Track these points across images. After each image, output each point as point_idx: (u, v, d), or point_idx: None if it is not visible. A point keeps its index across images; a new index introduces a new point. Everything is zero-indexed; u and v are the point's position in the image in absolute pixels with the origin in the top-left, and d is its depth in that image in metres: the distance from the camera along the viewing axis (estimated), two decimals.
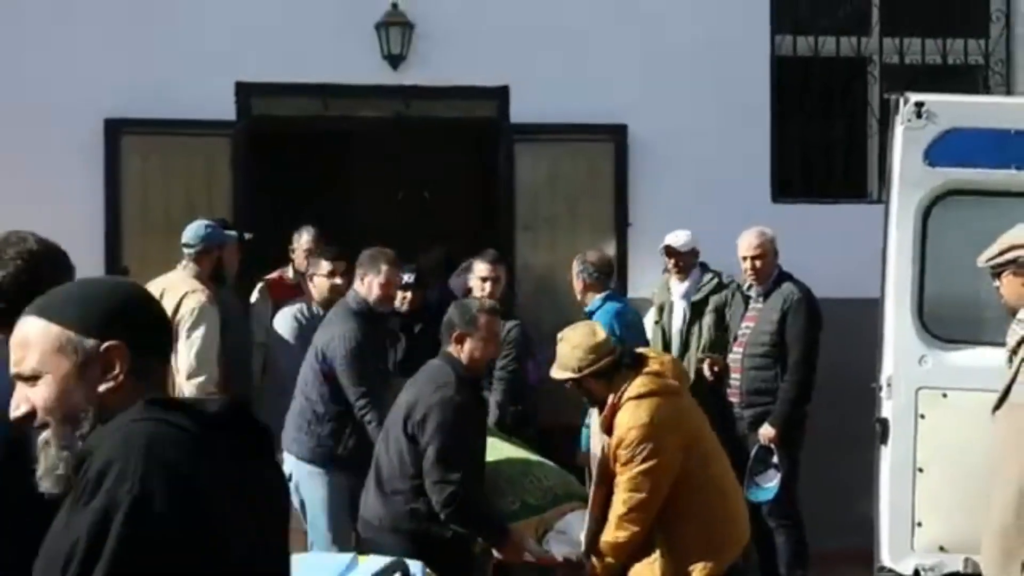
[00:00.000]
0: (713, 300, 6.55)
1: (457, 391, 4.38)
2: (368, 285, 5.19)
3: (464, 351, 4.50)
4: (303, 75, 7.52)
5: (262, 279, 6.75)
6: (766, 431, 6.06)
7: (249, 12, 7.51)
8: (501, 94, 7.78)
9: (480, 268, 6.17)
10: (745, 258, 6.25)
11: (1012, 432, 3.45)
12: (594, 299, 6.24)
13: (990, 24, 8.19)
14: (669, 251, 6.64)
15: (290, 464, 5.17)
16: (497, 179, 7.90)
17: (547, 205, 7.85)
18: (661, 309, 6.74)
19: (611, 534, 4.28)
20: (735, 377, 6.26)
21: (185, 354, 5.33)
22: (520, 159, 7.78)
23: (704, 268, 6.79)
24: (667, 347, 6.50)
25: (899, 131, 5.34)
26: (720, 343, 6.46)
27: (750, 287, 6.39)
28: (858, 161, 8.27)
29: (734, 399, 6.25)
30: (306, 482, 5.20)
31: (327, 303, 5.66)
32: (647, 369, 4.33)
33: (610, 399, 4.29)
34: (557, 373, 4.46)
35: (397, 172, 9.71)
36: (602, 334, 4.49)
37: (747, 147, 7.78)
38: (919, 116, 5.32)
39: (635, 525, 4.24)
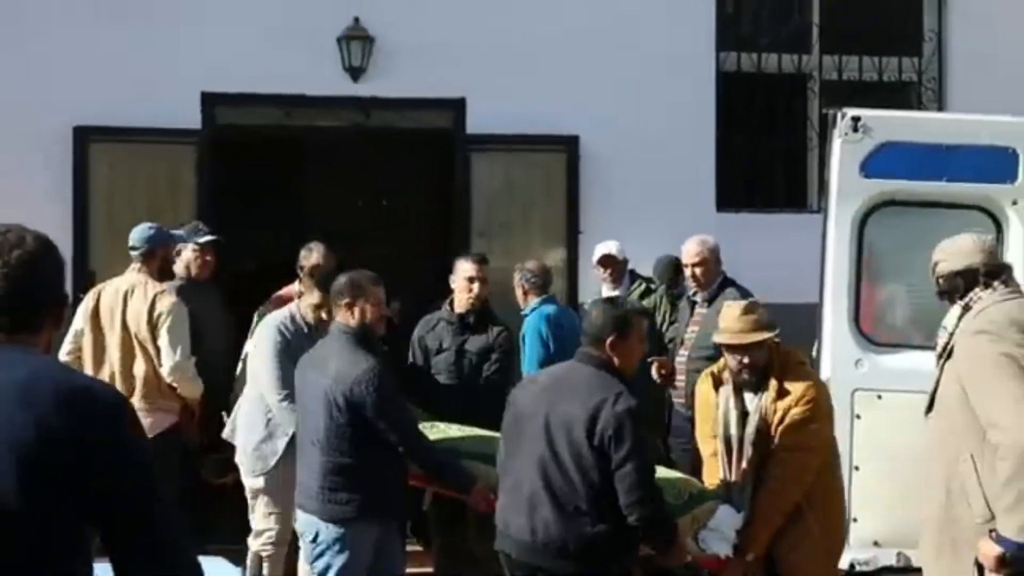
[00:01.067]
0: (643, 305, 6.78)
1: (633, 399, 4.05)
2: (360, 311, 4.73)
3: (618, 355, 4.12)
4: (267, 86, 7.70)
5: (268, 298, 6.30)
6: None
7: (215, 25, 7.69)
8: (458, 105, 8.01)
9: (465, 268, 6.03)
10: (687, 266, 6.43)
11: (941, 433, 3.69)
12: (532, 302, 6.45)
13: (923, 43, 8.55)
14: (606, 261, 6.92)
15: (313, 525, 4.57)
16: (453, 187, 8.13)
17: (502, 213, 8.09)
18: None
19: (781, 498, 4.39)
20: (680, 380, 6.38)
21: (168, 352, 5.53)
22: (476, 168, 8.02)
23: (633, 275, 7.07)
24: None
25: (837, 144, 5.52)
26: (655, 347, 6.65)
27: (695, 293, 6.60)
28: (799, 173, 8.57)
29: (679, 401, 6.39)
30: (341, 544, 4.51)
31: (317, 321, 5.28)
32: None
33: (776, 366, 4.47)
34: (755, 335, 4.43)
35: (357, 181, 9.85)
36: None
37: (693, 159, 8.07)
38: (856, 130, 5.50)
39: (800, 487, 4.39)
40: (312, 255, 6.01)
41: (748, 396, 4.54)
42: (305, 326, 5.25)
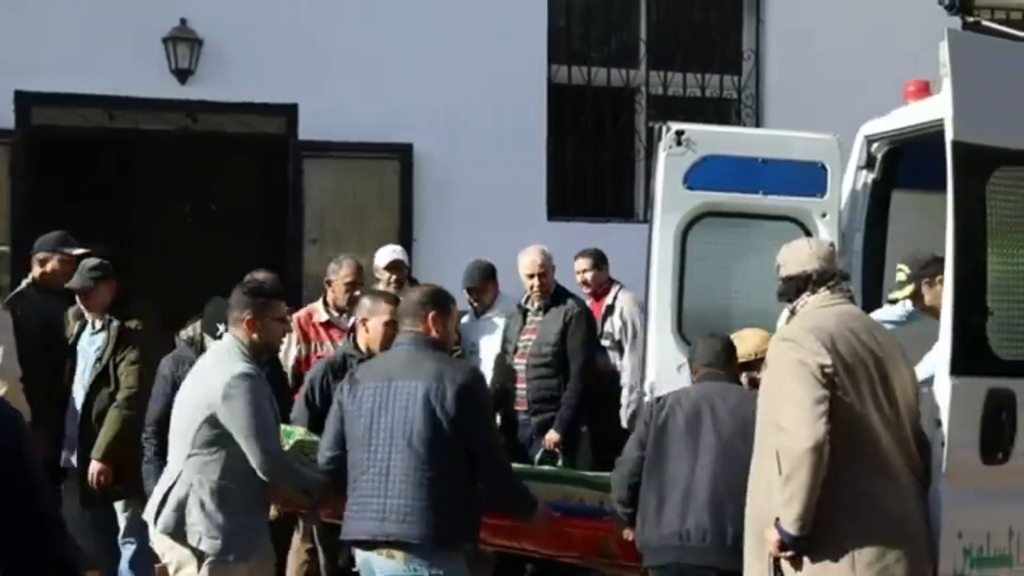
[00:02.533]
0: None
1: None
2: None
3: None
4: (87, 86, 7.46)
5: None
6: (551, 436, 6.32)
7: (33, 21, 7.39)
8: (290, 111, 7.93)
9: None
10: (531, 275, 6.44)
11: (761, 431, 3.86)
12: None
13: (742, 62, 8.92)
14: (394, 266, 6.59)
15: (402, 563, 4.05)
16: (285, 193, 8.03)
17: (335, 220, 8.04)
18: None
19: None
20: (520, 387, 6.44)
21: None
22: (308, 175, 7.95)
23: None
24: None
25: (661, 157, 5.68)
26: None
27: (527, 300, 6.68)
28: (627, 183, 8.80)
29: (520, 407, 6.44)
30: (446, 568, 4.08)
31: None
32: None
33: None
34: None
35: (185, 185, 9.65)
36: None
37: (525, 168, 8.20)
38: (679, 144, 5.68)
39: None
40: (343, 267, 6.10)
41: None
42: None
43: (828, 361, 3.64)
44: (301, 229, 7.93)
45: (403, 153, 8.01)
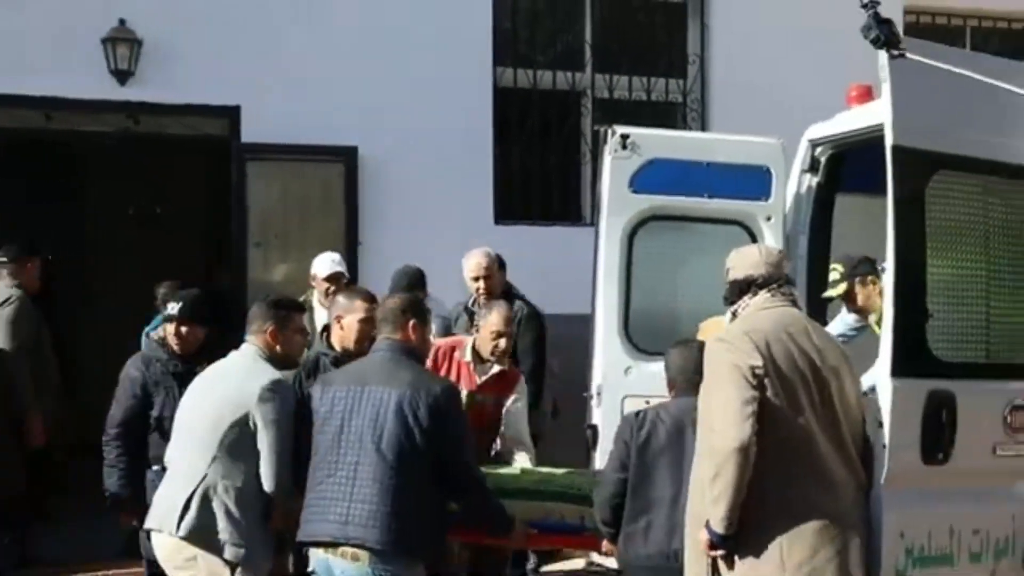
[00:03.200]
0: None
1: None
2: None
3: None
4: (24, 87, 7.31)
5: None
6: None
7: None
8: (232, 113, 7.83)
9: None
10: (476, 278, 6.45)
11: (701, 433, 3.89)
12: None
13: (687, 66, 8.97)
14: (334, 278, 6.45)
15: (366, 566, 4.01)
16: (229, 196, 7.94)
17: (279, 223, 7.95)
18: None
19: None
20: None
21: None
22: (252, 177, 7.85)
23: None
24: None
25: (607, 160, 5.74)
26: None
27: (474, 303, 6.67)
28: (574, 187, 8.79)
29: None
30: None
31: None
32: None
33: None
34: None
35: (128, 187, 9.53)
36: None
37: (471, 172, 8.17)
38: (624, 147, 5.73)
39: None
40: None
41: None
42: None
43: (759, 363, 3.67)
44: (245, 232, 7.85)
45: (348, 156, 7.94)
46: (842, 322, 5.54)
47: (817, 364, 3.77)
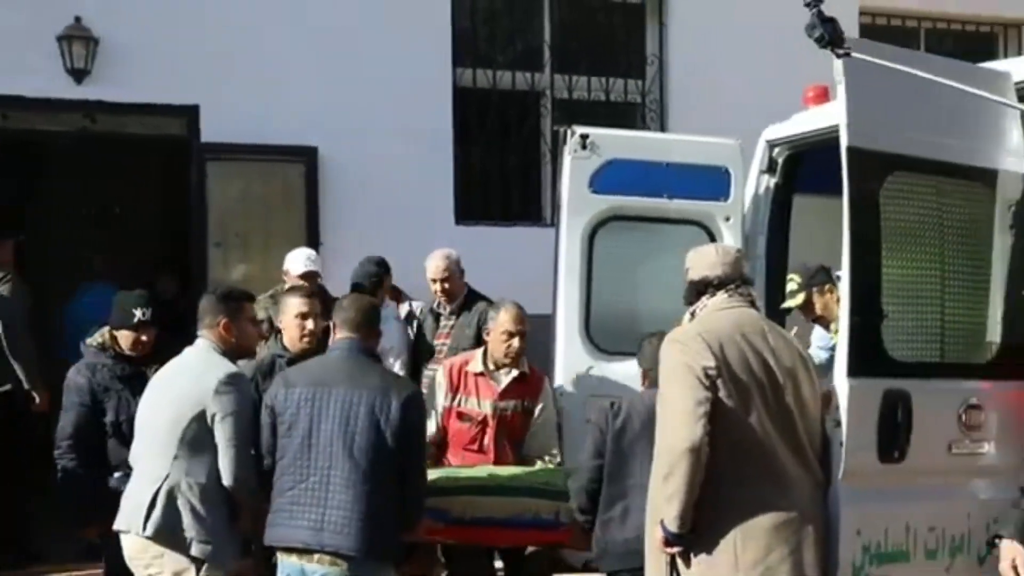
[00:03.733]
0: None
1: None
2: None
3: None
4: None
5: None
6: None
7: None
8: (191, 112, 7.78)
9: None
10: (435, 280, 6.44)
11: (659, 432, 3.93)
12: None
13: (646, 66, 9.01)
14: (310, 276, 6.35)
15: (346, 571, 4.03)
16: (188, 196, 7.88)
17: (239, 223, 7.90)
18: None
19: None
20: None
21: None
22: (212, 177, 7.80)
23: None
24: None
25: (567, 161, 5.75)
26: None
27: (438, 305, 6.66)
28: (534, 187, 8.80)
29: None
30: None
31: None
32: None
33: None
34: None
35: (86, 187, 9.43)
36: None
37: (431, 172, 8.17)
38: (584, 147, 5.74)
39: None
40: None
41: None
42: None
43: (712, 364, 3.70)
44: (205, 233, 7.80)
45: (308, 156, 7.92)
46: (815, 345, 5.61)
47: (771, 365, 3.80)
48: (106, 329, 4.95)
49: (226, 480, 4.13)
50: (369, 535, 4.00)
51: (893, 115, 3.98)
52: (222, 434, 4.12)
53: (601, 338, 5.86)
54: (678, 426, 3.68)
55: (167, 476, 4.10)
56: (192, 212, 7.83)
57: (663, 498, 3.73)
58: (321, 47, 7.97)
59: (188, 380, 4.21)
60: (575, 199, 5.77)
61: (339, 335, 4.34)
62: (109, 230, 9.47)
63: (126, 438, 4.58)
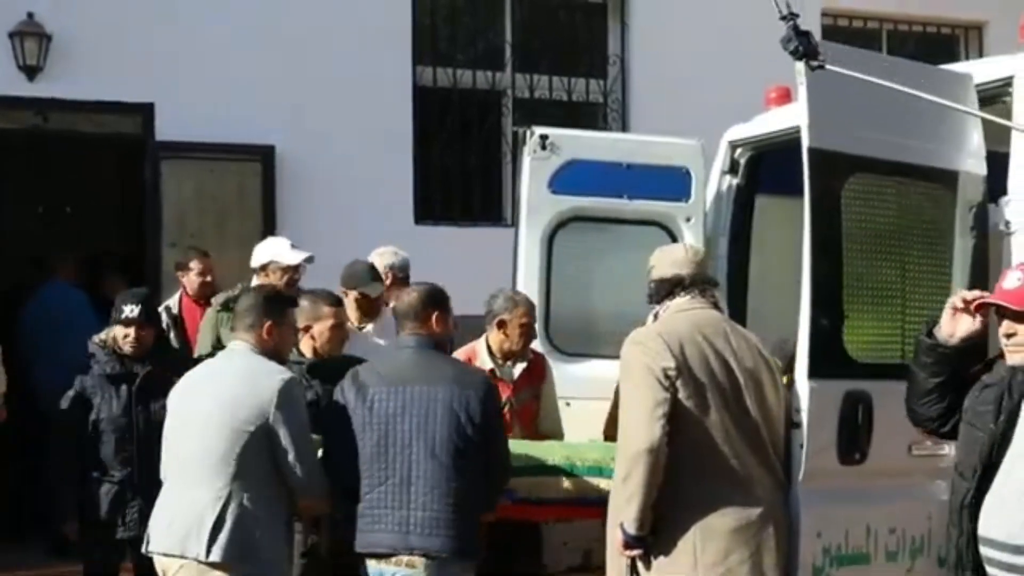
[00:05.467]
0: None
1: None
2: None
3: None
4: None
5: None
6: None
7: None
8: (146, 110, 7.67)
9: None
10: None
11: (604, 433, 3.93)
12: None
13: (608, 66, 8.99)
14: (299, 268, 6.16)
15: (422, 571, 3.92)
16: (143, 195, 7.77)
17: (194, 222, 7.80)
18: None
19: None
20: None
21: None
22: (167, 176, 7.70)
23: None
24: None
25: (527, 161, 5.68)
26: None
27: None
28: (494, 187, 8.78)
29: None
30: None
31: None
32: None
33: None
34: None
35: (37, 186, 9.28)
36: None
37: (391, 171, 8.11)
38: (544, 148, 5.69)
39: None
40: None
41: None
42: None
43: (672, 364, 3.70)
44: (159, 232, 7.69)
45: (265, 155, 7.83)
46: None
47: (732, 366, 3.80)
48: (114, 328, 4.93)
49: (300, 490, 3.90)
50: (458, 534, 3.89)
51: (855, 116, 3.98)
52: (290, 442, 3.83)
53: (561, 339, 5.81)
54: (637, 427, 3.67)
55: (230, 494, 3.79)
56: (146, 212, 7.72)
57: (622, 500, 3.71)
58: (280, 45, 7.89)
59: (244, 388, 3.88)
60: (535, 200, 5.73)
61: (405, 331, 4.19)
62: (61, 229, 9.32)
63: (102, 436, 4.68)
